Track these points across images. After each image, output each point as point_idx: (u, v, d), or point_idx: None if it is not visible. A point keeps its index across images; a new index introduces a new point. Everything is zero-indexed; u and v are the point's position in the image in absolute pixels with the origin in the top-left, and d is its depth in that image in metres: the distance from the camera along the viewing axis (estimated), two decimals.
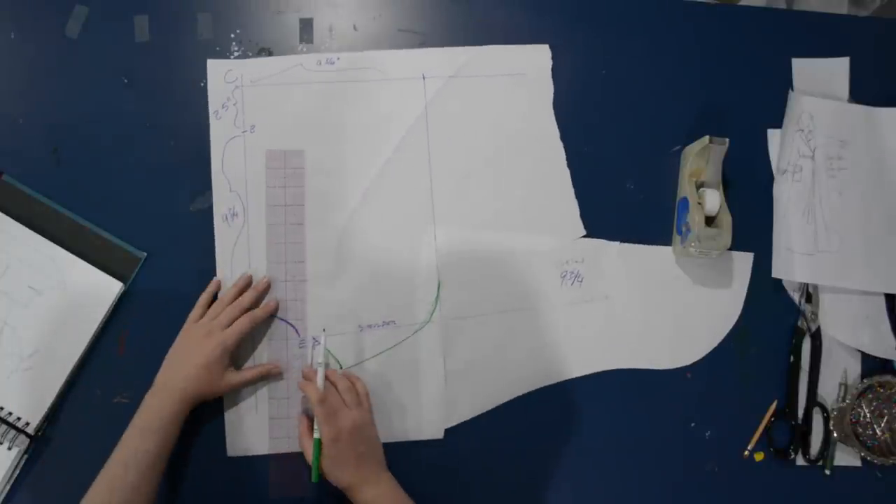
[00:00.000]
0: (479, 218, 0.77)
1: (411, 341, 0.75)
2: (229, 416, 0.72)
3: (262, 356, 0.73)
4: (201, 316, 0.71)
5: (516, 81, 0.79)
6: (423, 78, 0.78)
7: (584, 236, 0.78)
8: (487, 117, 0.78)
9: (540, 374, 0.76)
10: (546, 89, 0.79)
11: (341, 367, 0.73)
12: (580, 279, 0.77)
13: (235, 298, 0.71)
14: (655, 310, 0.78)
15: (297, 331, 0.74)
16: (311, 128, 0.76)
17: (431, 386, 0.74)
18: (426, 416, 0.74)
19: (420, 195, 0.76)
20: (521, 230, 0.77)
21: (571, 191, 0.78)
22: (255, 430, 0.72)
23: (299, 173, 0.75)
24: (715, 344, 0.77)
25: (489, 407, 0.75)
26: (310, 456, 0.66)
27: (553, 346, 0.76)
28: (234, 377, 0.69)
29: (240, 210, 0.74)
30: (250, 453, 0.72)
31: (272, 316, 0.73)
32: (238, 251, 0.74)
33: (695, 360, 0.77)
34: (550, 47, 0.80)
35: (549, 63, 0.79)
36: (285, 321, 0.74)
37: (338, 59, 0.77)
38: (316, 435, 0.66)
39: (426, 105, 0.77)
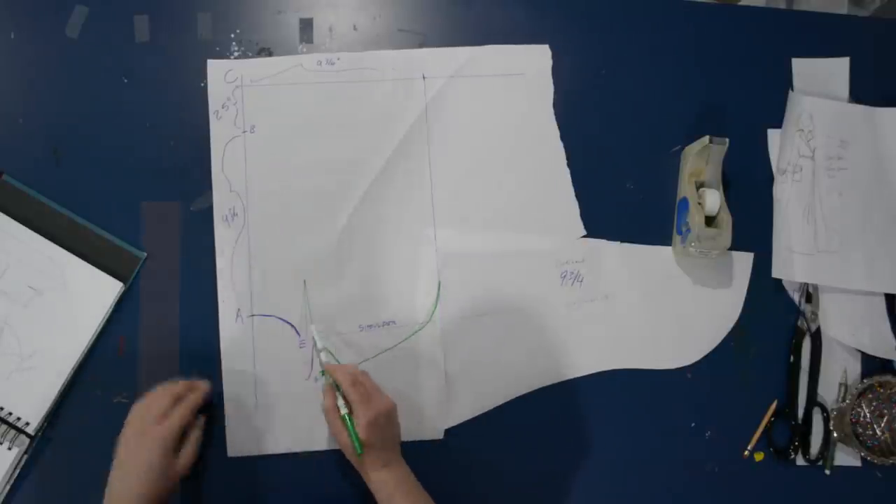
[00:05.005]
0: (480, 218, 0.77)
1: (411, 341, 0.74)
2: (230, 416, 0.72)
3: (263, 356, 0.73)
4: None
5: (516, 81, 0.79)
6: (423, 78, 0.78)
7: (584, 236, 0.78)
8: (488, 117, 0.78)
9: (540, 375, 0.76)
10: (546, 89, 0.79)
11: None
12: (580, 279, 0.77)
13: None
14: (655, 310, 0.78)
15: (296, 331, 0.74)
16: (312, 128, 0.76)
17: (431, 386, 0.74)
18: (426, 417, 0.74)
19: (420, 195, 0.76)
20: (522, 230, 0.77)
21: (572, 191, 0.78)
22: (255, 430, 0.72)
23: (300, 173, 0.75)
24: (715, 344, 0.77)
25: (489, 407, 0.75)
26: (338, 430, 0.65)
27: (553, 347, 0.76)
28: (181, 463, 0.64)
29: (240, 210, 0.74)
30: (251, 453, 0.72)
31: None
32: (238, 251, 0.74)
33: (695, 360, 0.77)
34: (550, 47, 0.80)
35: (550, 63, 0.79)
36: (285, 321, 0.74)
37: (338, 59, 0.77)
38: (343, 411, 0.65)
39: (426, 105, 0.77)
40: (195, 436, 0.67)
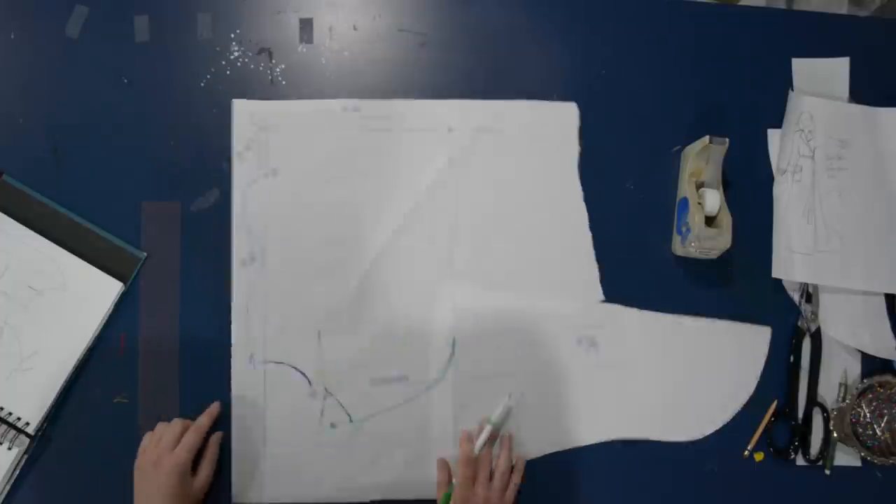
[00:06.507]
0: (498, 276, 0.75)
1: (423, 398, 0.73)
2: (237, 462, 0.71)
3: (274, 403, 0.72)
4: None
5: (542, 138, 0.78)
6: (449, 130, 0.77)
7: (603, 301, 0.77)
8: (511, 174, 0.77)
9: (550, 440, 0.74)
10: (572, 148, 0.78)
11: (351, 421, 0.73)
12: (596, 345, 0.76)
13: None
14: (671, 380, 0.76)
15: (308, 381, 0.73)
16: (334, 174, 0.75)
17: (441, 444, 0.73)
18: (434, 474, 0.72)
19: (439, 249, 0.75)
20: (540, 292, 0.76)
21: (592, 254, 0.77)
22: (262, 477, 0.71)
23: (320, 220, 0.75)
24: (728, 417, 0.76)
25: None
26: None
27: (565, 413, 0.75)
28: (200, 481, 0.67)
29: (259, 254, 0.73)
30: (257, 501, 0.71)
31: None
32: (255, 296, 0.73)
33: (707, 433, 0.76)
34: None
35: (577, 122, 0.78)
36: (297, 370, 0.73)
37: (364, 105, 0.76)
38: (449, 489, 0.67)
39: (450, 158, 0.76)
40: (211, 453, 0.69)
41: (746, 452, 0.76)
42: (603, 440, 0.75)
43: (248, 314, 0.73)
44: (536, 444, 0.74)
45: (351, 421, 0.73)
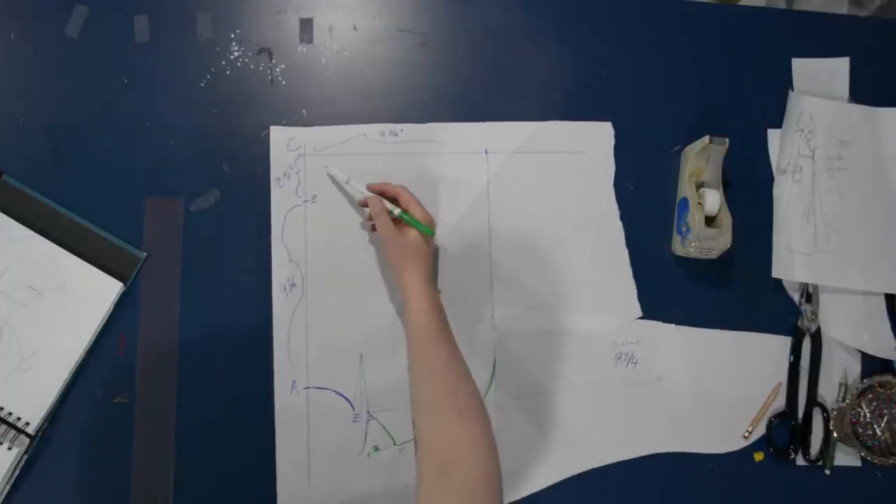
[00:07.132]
0: (538, 296, 0.76)
1: None
2: (282, 487, 0.70)
3: (317, 430, 0.72)
4: None
5: (578, 158, 0.78)
6: (486, 153, 0.77)
7: (640, 317, 0.77)
8: (548, 194, 0.77)
9: (592, 455, 0.75)
10: (607, 167, 0.79)
11: (394, 444, 0.73)
12: (634, 361, 0.76)
13: None
14: (708, 393, 0.77)
15: (351, 405, 0.73)
16: None
17: None
18: None
19: (479, 271, 0.75)
20: (578, 310, 0.76)
21: (629, 271, 0.77)
22: (308, 501, 0.70)
23: (359, 245, 0.74)
24: (764, 429, 0.77)
25: (540, 487, 0.74)
26: (390, 233, 0.67)
27: (606, 428, 0.75)
28: None
29: (298, 280, 0.73)
30: None
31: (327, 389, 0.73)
32: (296, 322, 0.73)
33: (743, 446, 0.77)
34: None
35: (612, 141, 0.79)
36: (339, 394, 0.73)
37: (401, 130, 0.76)
38: (396, 211, 0.69)
39: (488, 180, 0.77)
40: None
41: (746, 434, 0.76)
42: (644, 454, 0.75)
43: (289, 340, 0.73)
44: (578, 459, 0.75)
45: (395, 443, 0.73)
